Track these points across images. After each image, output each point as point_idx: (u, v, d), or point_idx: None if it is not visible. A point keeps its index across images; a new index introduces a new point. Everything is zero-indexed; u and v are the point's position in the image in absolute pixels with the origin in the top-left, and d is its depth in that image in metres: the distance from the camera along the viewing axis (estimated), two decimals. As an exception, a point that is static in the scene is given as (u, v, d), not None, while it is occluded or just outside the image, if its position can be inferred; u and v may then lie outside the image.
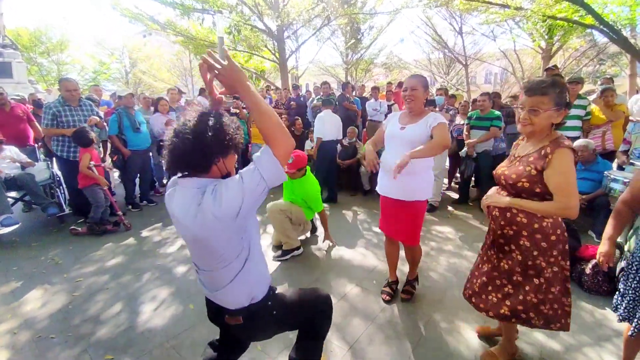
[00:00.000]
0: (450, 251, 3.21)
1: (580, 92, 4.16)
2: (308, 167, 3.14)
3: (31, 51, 18.73)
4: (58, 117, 3.68)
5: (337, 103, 6.25)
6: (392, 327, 2.11)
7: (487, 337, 2.00)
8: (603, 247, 1.59)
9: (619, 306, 1.60)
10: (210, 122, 1.07)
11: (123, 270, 2.87)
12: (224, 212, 1.01)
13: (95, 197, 3.61)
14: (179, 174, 1.15)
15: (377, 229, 3.78)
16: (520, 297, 1.54)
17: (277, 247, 3.25)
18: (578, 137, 3.96)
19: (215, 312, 1.31)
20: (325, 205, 4.67)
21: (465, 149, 4.41)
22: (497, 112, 4.25)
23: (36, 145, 4.44)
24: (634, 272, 1.52)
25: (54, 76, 21.66)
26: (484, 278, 1.67)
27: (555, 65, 5.93)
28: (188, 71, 23.42)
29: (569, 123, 3.94)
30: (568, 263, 1.53)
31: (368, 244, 3.37)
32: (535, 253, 1.49)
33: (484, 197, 1.67)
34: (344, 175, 5.41)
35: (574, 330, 1.95)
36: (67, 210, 3.90)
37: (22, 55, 14.57)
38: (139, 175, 4.58)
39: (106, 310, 2.32)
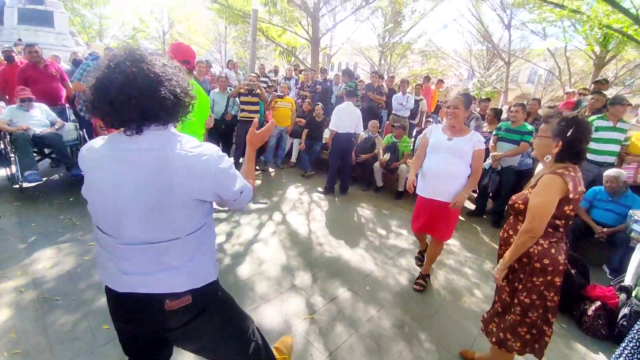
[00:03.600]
0: (451, 266, 3.16)
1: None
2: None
3: (75, 2, 19.03)
4: (87, 73, 3.83)
5: (360, 93, 6.10)
6: (374, 339, 2.13)
7: (468, 364, 1.99)
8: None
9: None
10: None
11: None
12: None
13: None
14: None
15: (382, 231, 3.76)
16: (506, 317, 1.64)
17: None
18: (613, 164, 3.70)
19: (138, 308, 1.04)
20: (336, 197, 4.67)
21: (489, 161, 4.20)
22: (530, 127, 4.01)
23: (67, 105, 4.60)
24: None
25: (96, 29, 22.16)
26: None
27: (605, 79, 5.47)
28: (222, 37, 23.32)
29: (606, 147, 3.68)
30: (555, 296, 1.51)
31: (369, 246, 3.36)
32: (521, 276, 1.57)
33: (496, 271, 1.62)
34: (358, 169, 5.36)
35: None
36: (89, 172, 4.08)
37: (65, 5, 14.83)
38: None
39: (110, 278, 2.46)
